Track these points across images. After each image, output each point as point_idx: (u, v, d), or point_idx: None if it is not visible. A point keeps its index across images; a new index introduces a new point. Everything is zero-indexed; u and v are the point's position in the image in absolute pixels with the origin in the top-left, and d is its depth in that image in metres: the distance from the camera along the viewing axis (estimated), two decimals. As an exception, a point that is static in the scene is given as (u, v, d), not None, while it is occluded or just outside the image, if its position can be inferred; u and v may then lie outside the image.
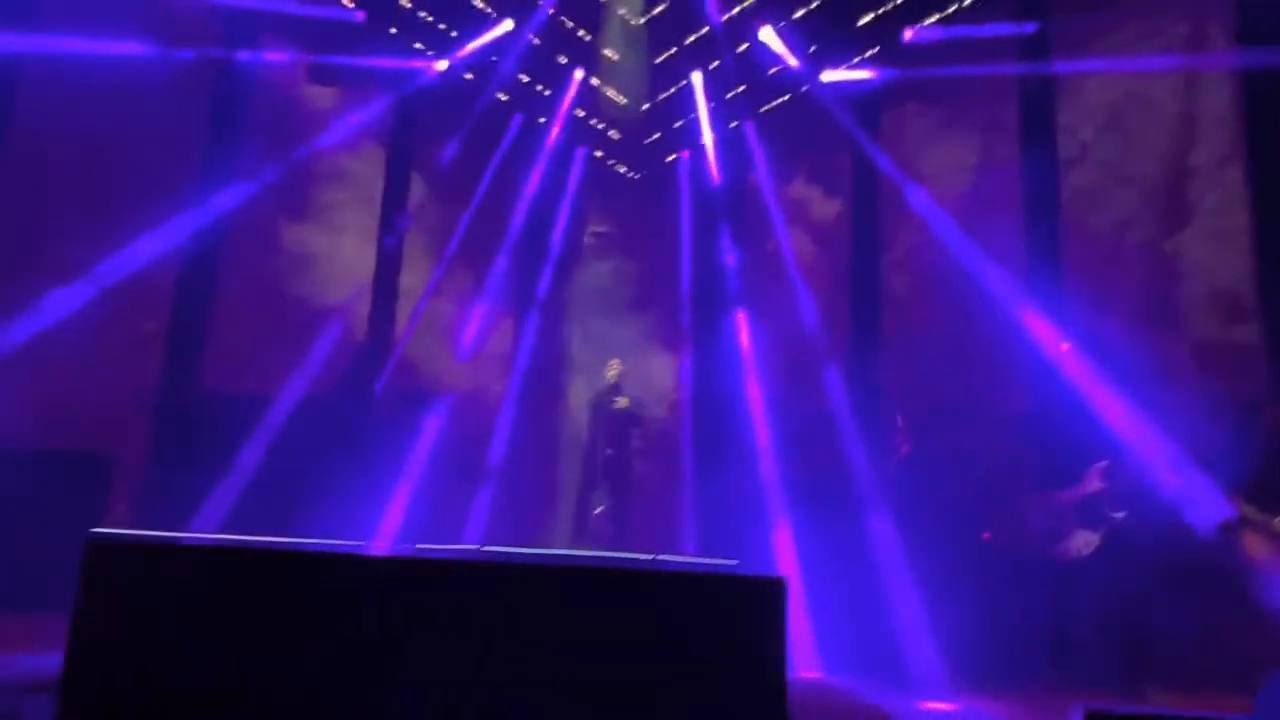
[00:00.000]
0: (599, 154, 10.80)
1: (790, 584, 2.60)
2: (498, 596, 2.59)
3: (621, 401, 8.39)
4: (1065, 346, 5.52)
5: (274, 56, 8.79)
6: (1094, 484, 5.02)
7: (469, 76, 9.52)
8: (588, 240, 10.77)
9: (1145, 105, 7.17)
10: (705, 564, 3.91)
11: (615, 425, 8.38)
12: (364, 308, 8.95)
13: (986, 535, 5.36)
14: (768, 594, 2.52)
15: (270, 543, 2.68)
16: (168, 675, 2.47)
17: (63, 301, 6.84)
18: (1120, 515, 4.94)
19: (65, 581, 2.87)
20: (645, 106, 10.42)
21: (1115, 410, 5.13)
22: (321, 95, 9.11)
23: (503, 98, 9.90)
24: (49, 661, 2.34)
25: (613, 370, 8.50)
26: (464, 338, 9.57)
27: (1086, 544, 4.96)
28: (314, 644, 2.49)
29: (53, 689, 2.42)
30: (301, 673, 2.46)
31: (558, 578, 2.64)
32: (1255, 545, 4.73)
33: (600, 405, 8.49)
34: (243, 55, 8.44)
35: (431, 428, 7.83)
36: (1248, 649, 4.64)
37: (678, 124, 10.41)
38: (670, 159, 10.71)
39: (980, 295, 7.07)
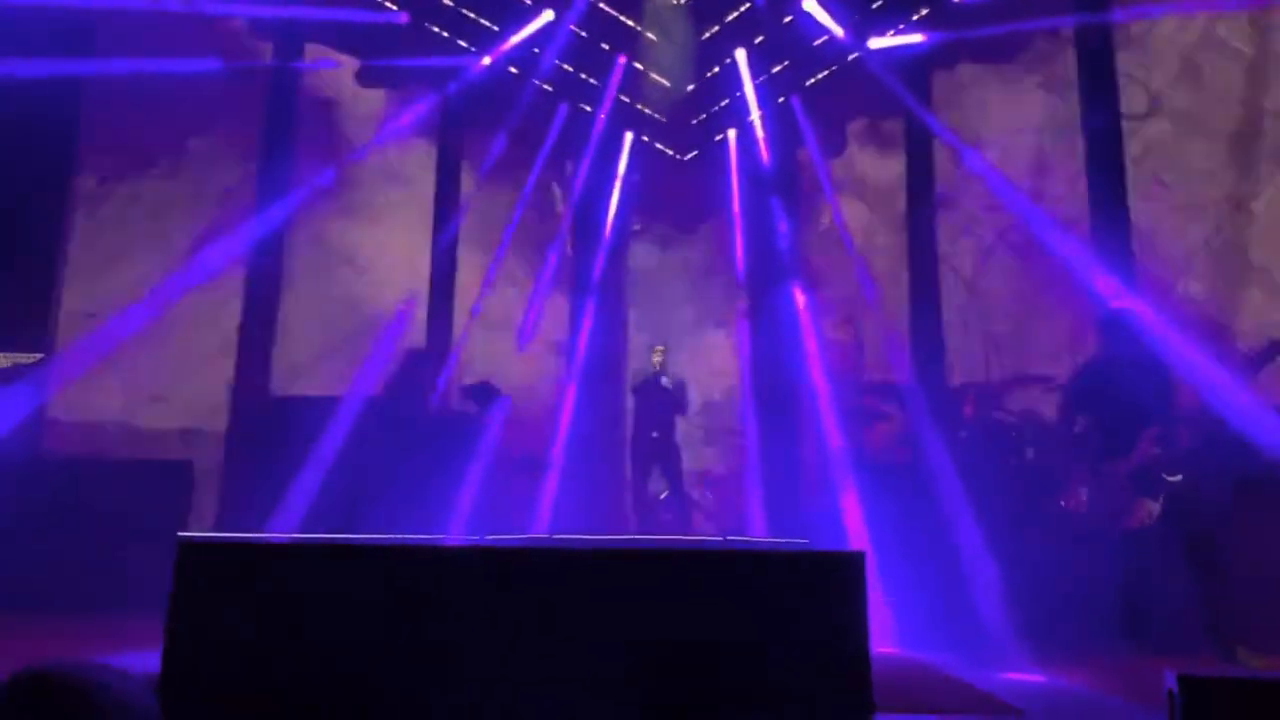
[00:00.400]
0: (646, 138, 10.76)
1: (866, 560, 2.58)
2: (577, 583, 2.61)
3: (666, 381, 8.43)
4: (1123, 303, 5.38)
5: (322, 63, 8.93)
6: (1148, 450, 4.92)
7: (513, 70, 9.55)
8: (637, 227, 10.76)
9: (1219, 50, 6.92)
10: (778, 543, 3.90)
11: (660, 408, 8.41)
12: (422, 305, 9.07)
13: (1064, 502, 5.25)
14: (846, 569, 2.50)
15: (357, 539, 2.75)
16: (263, 672, 2.54)
17: (136, 316, 7.07)
18: (1177, 479, 4.85)
19: (155, 585, 2.98)
20: (690, 88, 10.35)
21: (1185, 367, 4.98)
22: (370, 98, 9.24)
23: (548, 88, 9.91)
24: (151, 660, 2.44)
25: (657, 355, 8.56)
26: (522, 329, 9.66)
27: (1150, 514, 4.87)
28: (406, 638, 2.54)
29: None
30: (396, 666, 2.52)
31: (636, 562, 2.66)
32: None
33: (643, 389, 8.53)
34: (292, 64, 8.59)
35: (494, 420, 7.91)
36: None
37: (724, 103, 10.31)
38: (718, 138, 10.62)
39: (1044, 257, 6.91)
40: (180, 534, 2.77)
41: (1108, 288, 6.33)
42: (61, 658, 1.19)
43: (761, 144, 9.85)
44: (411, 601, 2.56)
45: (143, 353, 6.95)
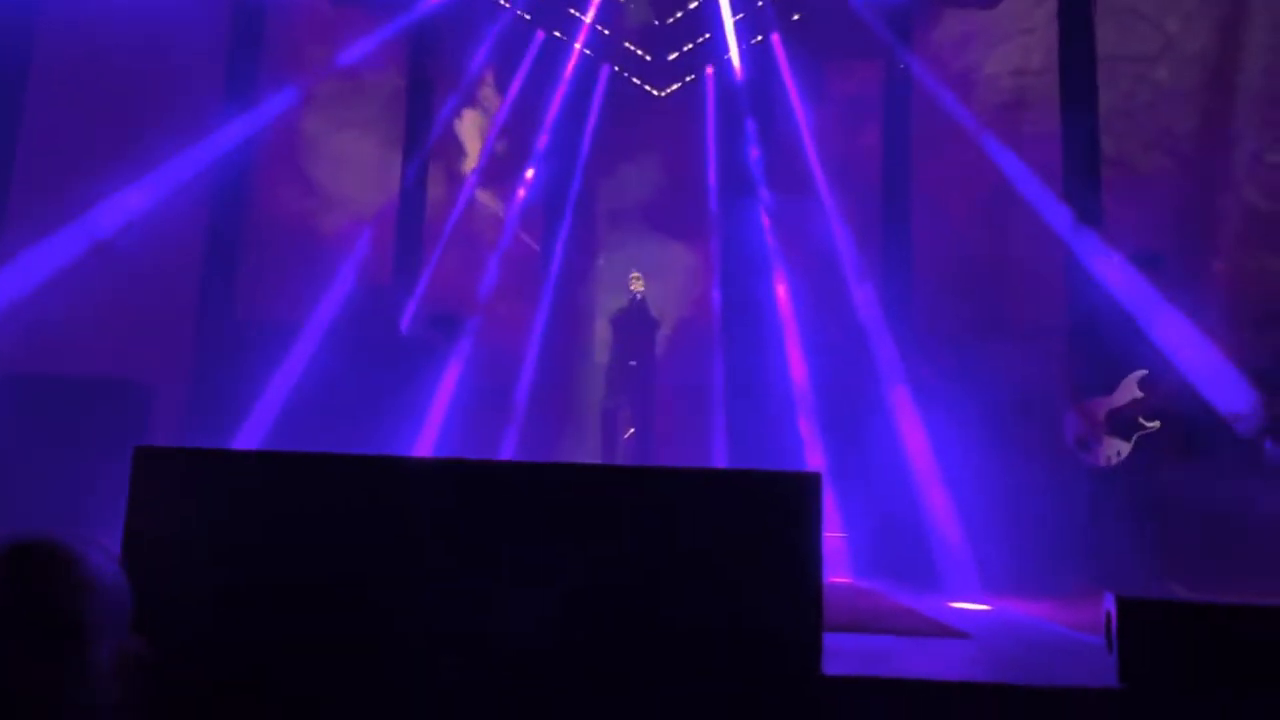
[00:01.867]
0: (624, 72, 10.58)
1: (823, 485, 2.61)
2: (530, 499, 2.62)
3: (636, 287, 8.24)
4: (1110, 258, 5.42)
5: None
6: (1130, 393, 4.99)
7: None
8: (610, 154, 10.62)
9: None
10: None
11: (638, 335, 8.32)
12: (390, 231, 8.95)
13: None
14: (801, 491, 2.52)
15: (310, 452, 2.73)
16: (218, 578, 2.53)
17: (95, 231, 6.90)
18: (1154, 425, 4.92)
19: (113, 504, 2.94)
20: (670, 20, 10.17)
21: (1158, 318, 5.04)
22: (340, 17, 8.98)
23: (525, 16, 9.69)
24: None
25: (636, 283, 8.42)
26: (492, 258, 9.57)
27: (1117, 453, 4.95)
28: (363, 543, 2.54)
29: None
30: (352, 570, 2.53)
31: (589, 479, 2.68)
32: None
33: (622, 317, 8.40)
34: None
35: (461, 350, 7.88)
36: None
37: (703, 38, 10.15)
38: (694, 77, 10.47)
39: (1018, 205, 6.94)
40: (136, 445, 2.73)
41: (1081, 236, 6.39)
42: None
43: (740, 80, 9.72)
44: (368, 509, 2.57)
45: (102, 268, 6.79)
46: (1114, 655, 2.43)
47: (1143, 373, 4.96)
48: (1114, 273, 5.18)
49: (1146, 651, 2.35)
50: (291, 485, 2.63)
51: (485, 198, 8.43)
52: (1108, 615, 2.53)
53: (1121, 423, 4.96)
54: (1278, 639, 2.30)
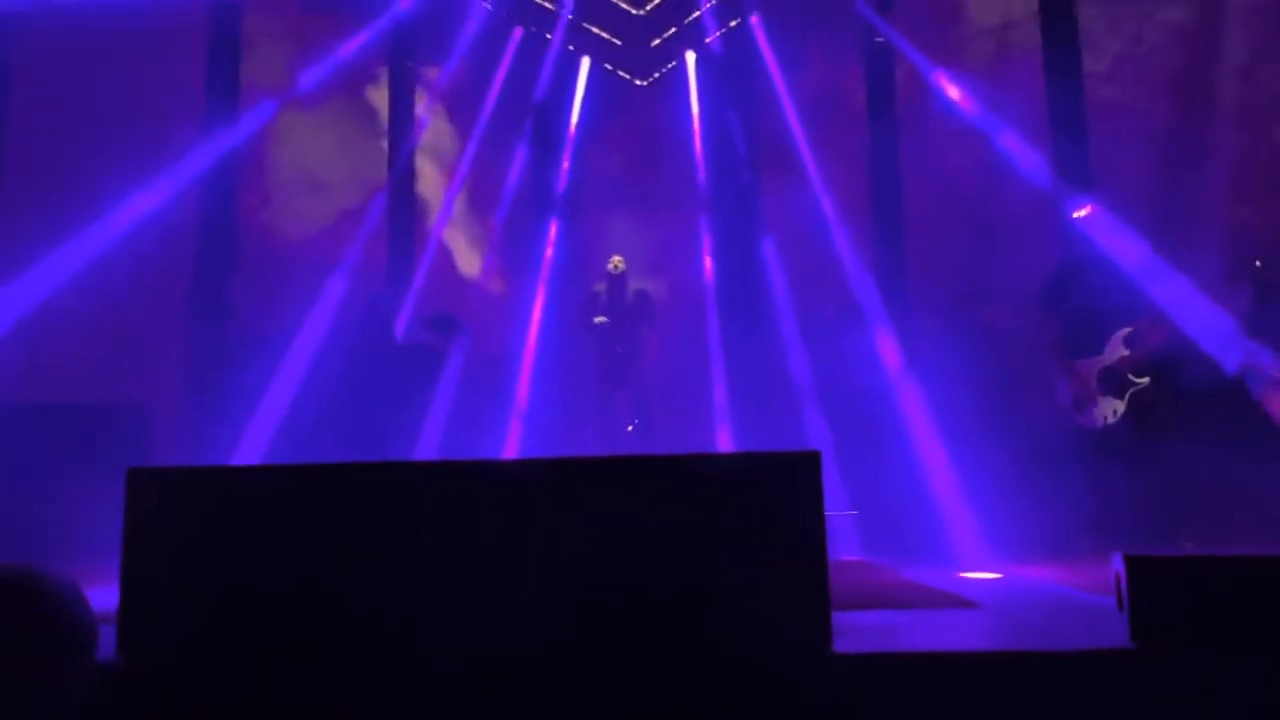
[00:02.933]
0: (605, 64, 10.54)
1: (824, 464, 2.58)
2: (530, 493, 2.61)
3: (616, 268, 8.07)
4: (1083, 211, 5.38)
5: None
6: (1117, 351, 4.99)
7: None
8: (596, 147, 10.57)
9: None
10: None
11: (624, 322, 8.15)
12: (380, 236, 8.92)
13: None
14: (802, 470, 2.50)
15: (301, 464, 2.71)
16: (221, 594, 2.51)
17: (82, 253, 6.86)
18: (1144, 381, 4.93)
19: (113, 529, 2.90)
20: (648, 8, 10.12)
21: (1144, 271, 5.03)
22: (317, 22, 8.92)
23: (499, 11, 9.65)
24: (111, 598, 2.40)
25: (617, 263, 8.27)
26: (485, 254, 9.53)
27: (1113, 412, 4.96)
28: (362, 551, 2.53)
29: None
30: (352, 579, 2.51)
31: (588, 470, 2.66)
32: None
33: (602, 301, 8.21)
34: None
35: (459, 349, 7.85)
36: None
37: (682, 25, 10.10)
38: (675, 63, 10.42)
39: (1005, 169, 6.91)
40: (130, 466, 2.71)
41: (1068, 199, 6.35)
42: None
43: (720, 65, 9.69)
44: (365, 516, 2.55)
45: (93, 285, 6.75)
46: (1125, 614, 2.41)
47: (1127, 330, 4.96)
48: (1095, 227, 5.17)
49: (1158, 609, 2.33)
50: (285, 498, 2.62)
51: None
52: (1117, 575, 2.51)
53: (1113, 381, 4.96)
54: (1286, 588, 2.28)
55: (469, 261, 9.64)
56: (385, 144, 9.27)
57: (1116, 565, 2.50)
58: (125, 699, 1.36)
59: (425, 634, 2.44)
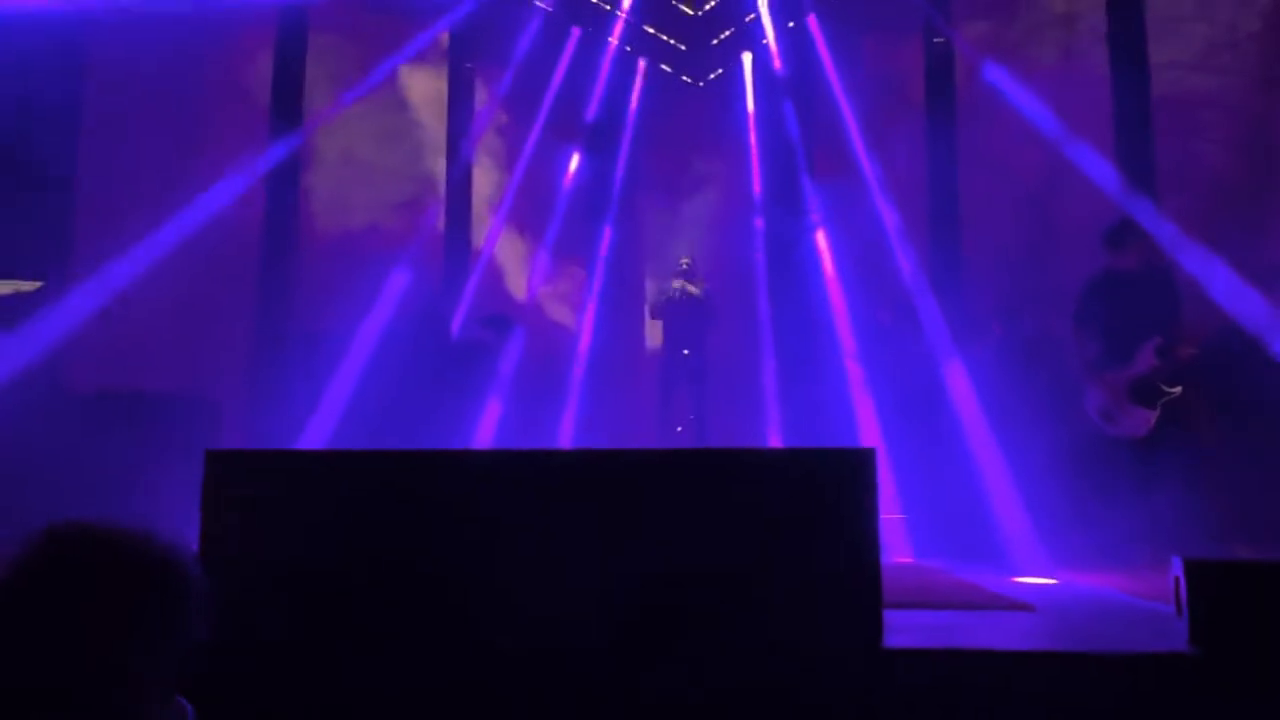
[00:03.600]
0: (662, 65, 10.59)
1: (879, 462, 2.60)
2: (585, 488, 2.66)
3: (693, 288, 8.11)
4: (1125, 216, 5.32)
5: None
6: (1148, 361, 4.96)
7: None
8: (651, 150, 10.63)
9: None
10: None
11: (692, 322, 8.14)
12: (439, 235, 9.08)
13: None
14: (855, 467, 2.52)
15: (374, 450, 2.81)
16: (293, 577, 2.60)
17: (156, 247, 7.09)
18: (1176, 390, 4.90)
19: (186, 515, 3.02)
20: (705, 8, 10.15)
21: (1208, 276, 4.95)
22: (379, 24, 9.11)
23: (557, 12, 9.75)
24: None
25: (684, 264, 8.28)
26: (541, 251, 9.64)
27: (1144, 422, 4.94)
28: (432, 540, 2.60)
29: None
30: (423, 568, 2.59)
31: (643, 465, 2.71)
32: None
33: (670, 304, 8.23)
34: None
35: (516, 344, 7.96)
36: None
37: (738, 26, 10.11)
38: (731, 65, 10.43)
39: (1067, 169, 6.81)
40: (208, 449, 2.83)
41: (1130, 201, 6.25)
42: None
43: (778, 65, 9.67)
44: (434, 505, 2.63)
45: (161, 282, 6.98)
46: (1183, 620, 2.40)
47: (1159, 340, 4.94)
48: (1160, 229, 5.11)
49: (1217, 614, 2.32)
50: (354, 481, 2.71)
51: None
52: (1176, 580, 2.49)
53: (1144, 391, 4.94)
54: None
55: (524, 260, 9.77)
56: (444, 140, 9.44)
57: (1176, 570, 2.48)
58: (208, 675, 1.44)
59: (484, 617, 2.51)
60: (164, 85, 7.78)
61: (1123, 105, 7.03)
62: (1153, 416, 4.90)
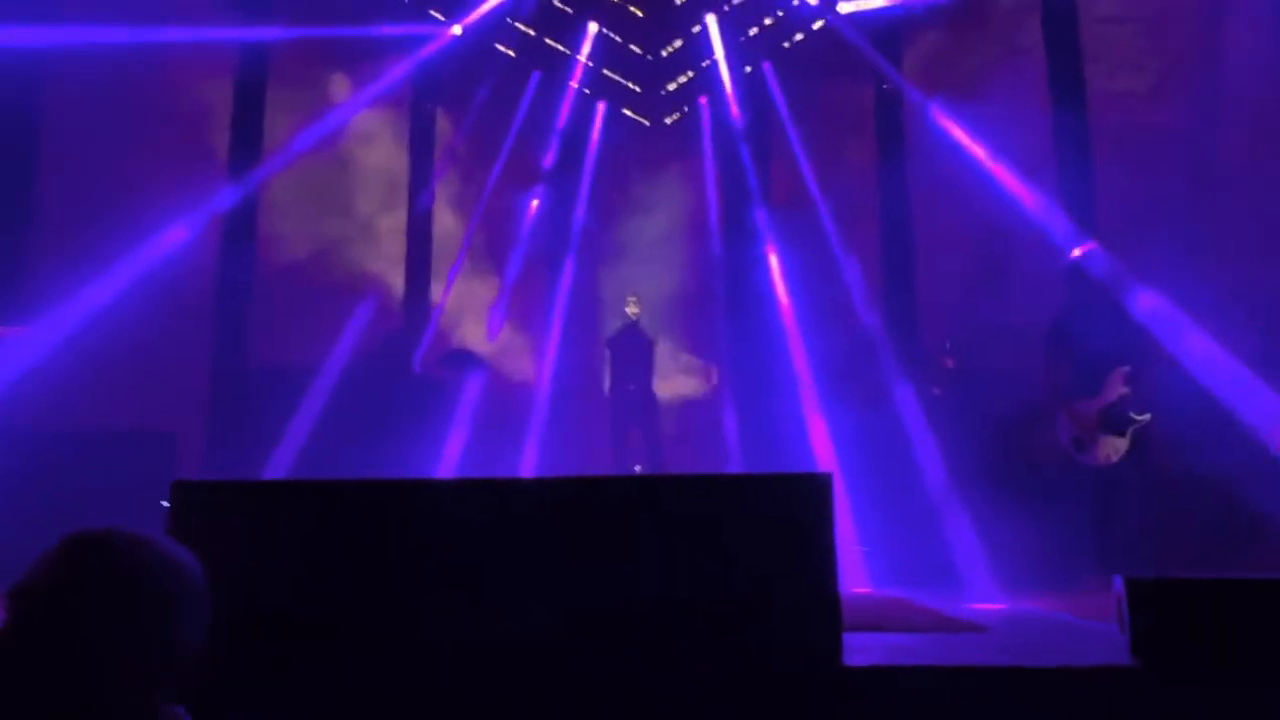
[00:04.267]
0: (622, 108, 10.80)
1: (835, 499, 2.67)
2: (542, 513, 2.70)
3: (632, 310, 8.28)
4: (1080, 250, 5.49)
5: (290, 32, 8.87)
6: (1116, 389, 5.06)
7: (483, 37, 9.54)
8: (609, 190, 10.80)
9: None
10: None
11: (638, 359, 8.32)
12: (399, 273, 9.11)
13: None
14: (814, 490, 2.60)
15: (340, 480, 2.83)
16: (258, 604, 2.61)
17: (110, 285, 7.04)
18: (1145, 418, 5.00)
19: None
20: (663, 54, 10.40)
21: (1150, 309, 5.13)
22: (339, 67, 9.21)
23: (518, 56, 9.93)
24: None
25: (632, 306, 8.46)
26: (502, 289, 9.71)
27: (1115, 450, 5.02)
28: (394, 568, 2.63)
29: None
30: (384, 595, 2.61)
31: (600, 490, 2.77)
32: None
33: (618, 340, 8.41)
34: (259, 32, 8.54)
35: (475, 382, 7.99)
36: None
37: (695, 71, 10.37)
38: (689, 108, 10.68)
39: (1012, 211, 7.07)
40: (175, 480, 2.83)
41: (1070, 237, 6.51)
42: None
43: (734, 110, 9.92)
44: (397, 532, 2.66)
45: (116, 320, 6.92)
46: (1126, 636, 2.51)
47: (1127, 368, 5.05)
48: (1097, 266, 5.29)
49: (1157, 629, 2.43)
50: (322, 510, 2.73)
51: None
52: (1118, 597, 2.61)
53: (1114, 420, 5.03)
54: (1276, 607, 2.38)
55: (485, 298, 9.82)
56: (406, 179, 9.51)
57: (1117, 588, 2.60)
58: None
59: (445, 640, 2.54)
60: (121, 121, 7.77)
61: (1063, 139, 7.34)
62: (1123, 444, 4.99)
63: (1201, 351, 5.31)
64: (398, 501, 2.76)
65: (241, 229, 8.17)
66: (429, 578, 2.62)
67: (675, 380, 9.08)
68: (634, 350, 8.34)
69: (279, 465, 7.00)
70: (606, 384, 8.46)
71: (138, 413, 6.98)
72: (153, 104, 7.97)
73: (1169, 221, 6.52)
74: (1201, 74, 7.05)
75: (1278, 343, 5.50)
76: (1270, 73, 6.52)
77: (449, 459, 7.52)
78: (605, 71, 10.43)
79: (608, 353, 8.56)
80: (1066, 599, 4.50)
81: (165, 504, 2.90)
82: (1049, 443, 5.49)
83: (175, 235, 7.55)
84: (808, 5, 9.17)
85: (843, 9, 9.00)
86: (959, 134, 7.87)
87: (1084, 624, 3.49)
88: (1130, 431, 4.99)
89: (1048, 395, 5.37)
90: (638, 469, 8.40)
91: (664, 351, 8.58)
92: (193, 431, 7.37)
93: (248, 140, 8.33)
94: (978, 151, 7.73)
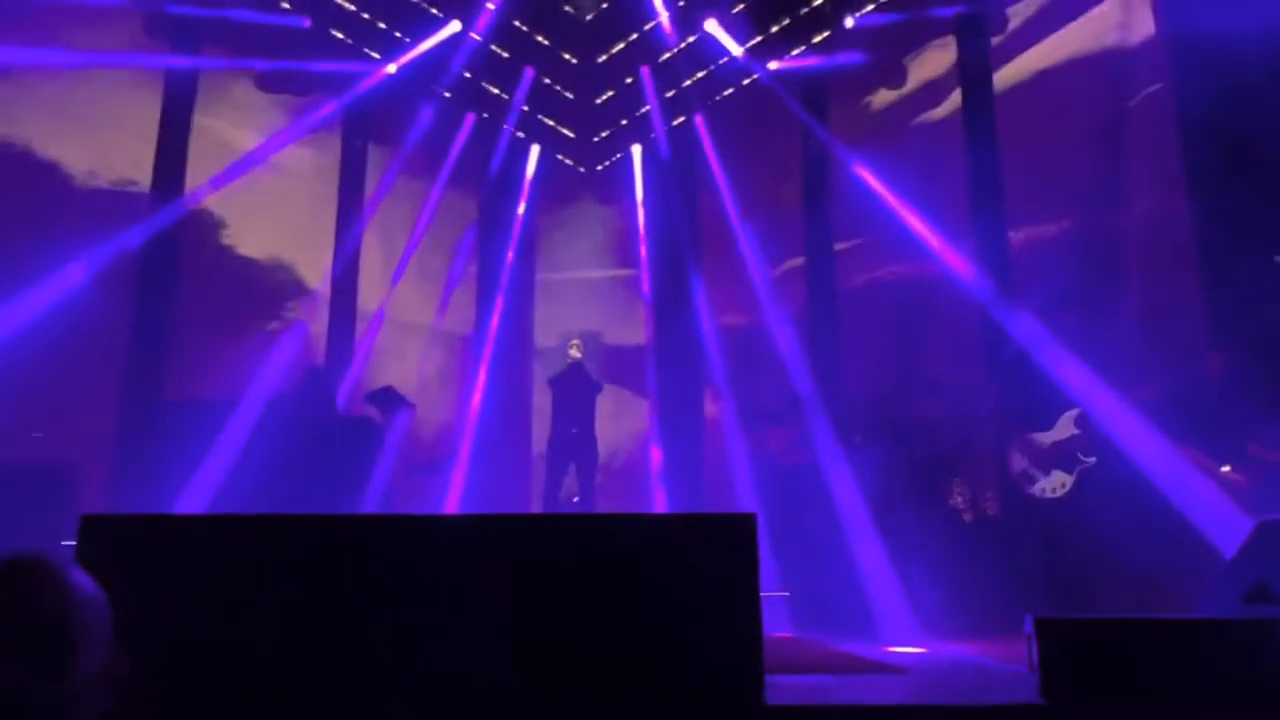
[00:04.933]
0: (554, 153, 10.90)
1: (758, 543, 2.70)
2: (470, 549, 2.69)
3: (575, 354, 8.36)
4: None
5: (223, 63, 8.78)
6: (1068, 430, 5.21)
7: (418, 78, 9.57)
8: (543, 233, 10.88)
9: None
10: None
11: (579, 401, 8.35)
12: (325, 309, 8.98)
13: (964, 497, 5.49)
14: (738, 529, 2.64)
15: (252, 514, 2.77)
16: (174, 642, 2.53)
17: (18, 313, 6.79)
18: (1092, 460, 5.15)
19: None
20: (597, 102, 10.55)
21: (1071, 366, 5.32)
22: (272, 101, 9.12)
23: (453, 98, 9.98)
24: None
25: (574, 349, 8.52)
26: (430, 328, 9.63)
27: (1061, 485, 5.14)
28: (307, 600, 2.58)
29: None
30: (292, 630, 2.55)
31: (530, 527, 2.77)
32: None
33: (561, 382, 8.44)
34: (191, 62, 8.43)
35: (398, 426, 7.86)
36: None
37: (629, 119, 10.55)
38: (621, 155, 10.84)
39: (935, 265, 7.33)
40: (82, 513, 2.73)
41: (988, 294, 6.77)
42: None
43: (665, 160, 10.11)
44: (316, 567, 2.61)
45: (24, 355, 6.66)
46: (1036, 675, 2.58)
47: (1077, 411, 5.22)
48: (1021, 319, 5.49)
49: (1063, 667, 2.51)
50: (236, 545, 2.66)
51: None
52: (1028, 637, 2.69)
53: (1063, 457, 5.19)
54: (1176, 647, 2.48)
55: (413, 337, 9.72)
56: (334, 217, 9.40)
57: (1028, 628, 2.68)
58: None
59: (372, 683, 2.49)
60: (34, 144, 7.56)
61: (978, 196, 7.66)
62: (1069, 481, 5.13)
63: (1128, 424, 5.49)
64: (315, 535, 2.70)
65: (161, 260, 7.97)
66: (343, 612, 2.57)
67: (609, 421, 9.11)
68: (578, 393, 8.36)
69: (193, 500, 6.77)
70: (547, 426, 8.43)
71: (41, 445, 6.71)
72: (74, 129, 7.78)
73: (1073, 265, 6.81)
74: (1105, 143, 7.46)
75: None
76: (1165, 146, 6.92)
77: (372, 497, 7.36)
78: (540, 116, 10.54)
79: (550, 393, 8.56)
80: (984, 643, 4.60)
81: (67, 542, 2.79)
82: (968, 490, 5.62)
83: (87, 267, 7.33)
84: (737, 61, 9.44)
85: (772, 66, 9.30)
86: (880, 187, 8.16)
87: (999, 665, 3.58)
88: (1076, 471, 5.14)
89: (998, 423, 5.49)
90: (575, 500, 8.39)
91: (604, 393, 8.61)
92: (100, 465, 7.09)
93: (171, 172, 8.17)
94: (898, 204, 8.02)
